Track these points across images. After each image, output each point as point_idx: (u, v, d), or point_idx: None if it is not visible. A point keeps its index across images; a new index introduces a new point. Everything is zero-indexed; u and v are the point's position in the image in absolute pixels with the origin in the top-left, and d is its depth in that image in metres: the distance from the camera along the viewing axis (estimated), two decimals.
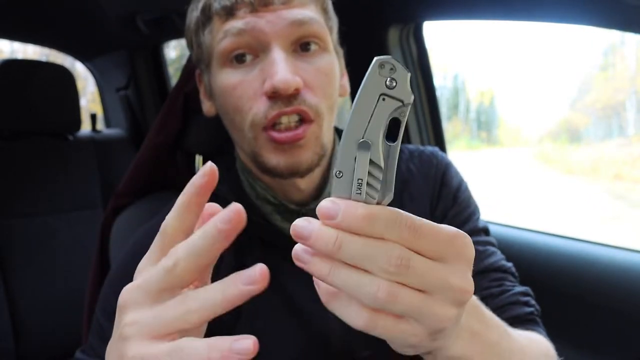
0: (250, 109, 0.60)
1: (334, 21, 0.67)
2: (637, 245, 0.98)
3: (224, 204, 0.68)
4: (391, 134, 0.32)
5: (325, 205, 0.32)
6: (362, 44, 1.28)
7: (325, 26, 0.63)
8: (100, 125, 1.88)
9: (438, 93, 1.32)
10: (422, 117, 1.30)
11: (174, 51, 2.10)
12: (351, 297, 0.33)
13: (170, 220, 0.35)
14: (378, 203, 0.32)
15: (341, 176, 0.32)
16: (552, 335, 0.66)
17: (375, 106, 0.31)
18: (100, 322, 0.63)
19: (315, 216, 0.68)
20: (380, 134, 0.32)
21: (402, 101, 0.31)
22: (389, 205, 0.33)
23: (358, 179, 0.32)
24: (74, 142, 1.59)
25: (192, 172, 0.99)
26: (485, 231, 0.72)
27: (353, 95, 0.33)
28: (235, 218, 0.31)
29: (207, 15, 0.62)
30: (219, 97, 0.64)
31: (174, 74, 1.93)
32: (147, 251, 0.66)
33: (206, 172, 0.33)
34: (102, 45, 1.82)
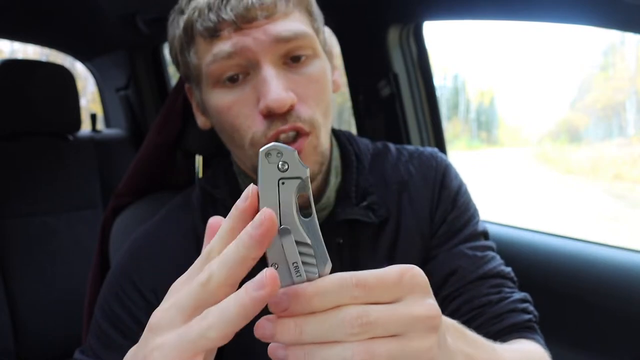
0: (248, 128, 0.60)
1: (320, 20, 0.66)
2: (637, 245, 0.98)
3: (222, 207, 0.68)
4: (304, 209, 0.33)
5: (275, 299, 0.32)
6: (362, 43, 1.28)
7: (312, 32, 0.62)
8: (100, 125, 1.88)
9: (438, 93, 1.32)
10: (422, 117, 1.30)
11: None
12: None
13: (216, 244, 0.34)
14: (319, 276, 0.33)
15: (277, 267, 0.33)
16: (551, 336, 0.66)
17: (279, 192, 0.33)
18: (99, 323, 0.63)
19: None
20: (294, 214, 0.33)
21: (299, 177, 0.33)
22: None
23: (293, 263, 0.33)
24: (74, 142, 1.59)
25: (192, 172, 1.00)
26: (485, 235, 0.71)
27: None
28: (267, 222, 0.31)
29: (189, 35, 0.61)
30: (214, 116, 0.64)
31: (174, 74, 1.93)
32: (144, 253, 0.66)
33: (248, 194, 0.33)
34: (102, 45, 1.82)
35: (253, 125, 0.59)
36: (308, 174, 0.33)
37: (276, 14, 0.58)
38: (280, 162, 0.33)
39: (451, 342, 0.38)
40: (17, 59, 1.54)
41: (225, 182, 0.70)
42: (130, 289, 0.63)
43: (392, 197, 0.70)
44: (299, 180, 0.33)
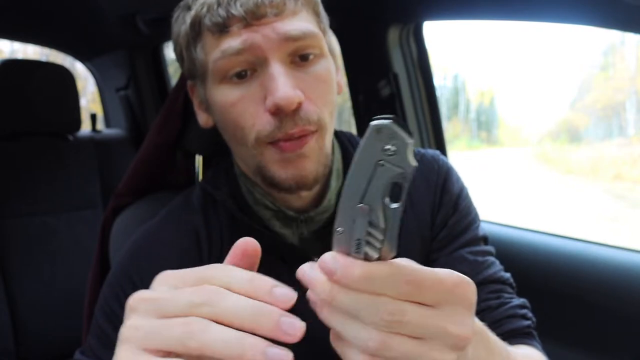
0: (253, 125, 0.59)
1: (326, 20, 0.66)
2: (637, 245, 0.98)
3: (223, 209, 0.68)
4: (395, 194, 0.31)
5: (326, 260, 0.33)
6: (362, 43, 1.28)
7: (319, 32, 0.62)
8: (100, 125, 1.88)
9: (438, 93, 1.32)
10: (422, 117, 1.30)
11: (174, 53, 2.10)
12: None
13: (222, 277, 0.34)
14: (379, 259, 0.32)
15: (341, 233, 0.33)
16: (551, 336, 0.66)
17: (373, 172, 0.31)
18: (99, 323, 0.63)
19: (313, 222, 0.68)
20: (380, 197, 0.31)
21: (402, 168, 0.30)
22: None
23: (357, 239, 0.32)
24: (74, 142, 1.59)
25: (192, 172, 1.00)
26: (485, 240, 0.71)
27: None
28: (293, 332, 0.32)
29: (197, 31, 0.60)
30: (217, 113, 0.63)
31: (174, 74, 1.93)
32: (145, 253, 0.66)
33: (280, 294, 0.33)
34: (102, 45, 1.82)
35: (258, 124, 0.59)
36: (413, 170, 0.30)
37: (285, 11, 0.58)
38: (390, 145, 0.30)
39: (471, 352, 0.38)
40: (17, 59, 1.54)
41: (225, 183, 0.70)
42: (130, 290, 0.62)
43: None
44: (399, 170, 0.30)
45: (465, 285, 0.34)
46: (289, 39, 0.58)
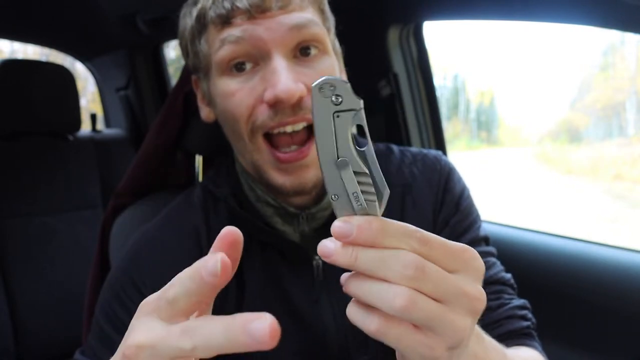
0: (249, 117, 0.59)
1: (331, 21, 0.67)
2: (637, 245, 0.98)
3: (225, 207, 0.68)
4: (360, 138, 0.34)
5: (338, 225, 0.34)
6: (362, 44, 1.28)
7: (323, 28, 0.62)
8: (100, 125, 1.88)
9: (438, 93, 1.32)
10: (422, 117, 1.30)
11: (174, 51, 2.10)
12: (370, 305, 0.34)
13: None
14: (380, 203, 0.34)
15: (337, 198, 0.34)
16: (551, 336, 0.66)
17: (334, 125, 0.33)
18: (99, 323, 0.63)
19: (314, 219, 0.68)
20: (351, 146, 0.34)
21: (354, 109, 0.33)
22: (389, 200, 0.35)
23: (353, 193, 0.34)
24: (74, 142, 1.59)
25: (193, 171, 1.00)
26: (486, 240, 0.71)
27: None
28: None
29: (202, 24, 0.61)
30: (218, 105, 0.63)
31: (174, 74, 1.93)
32: (145, 253, 0.66)
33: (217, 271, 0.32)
34: (102, 45, 1.82)
35: (254, 114, 0.59)
36: (362, 105, 0.33)
37: (291, 5, 0.58)
38: (334, 96, 0.33)
39: (470, 347, 0.38)
40: (17, 59, 1.54)
41: (227, 181, 0.70)
42: (131, 290, 0.63)
43: (394, 199, 0.69)
44: (353, 112, 0.33)
45: (473, 253, 0.35)
46: (293, 28, 0.58)
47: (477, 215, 0.73)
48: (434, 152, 0.76)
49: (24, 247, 1.44)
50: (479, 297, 0.35)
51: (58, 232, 1.50)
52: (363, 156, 0.34)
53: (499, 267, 0.69)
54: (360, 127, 0.34)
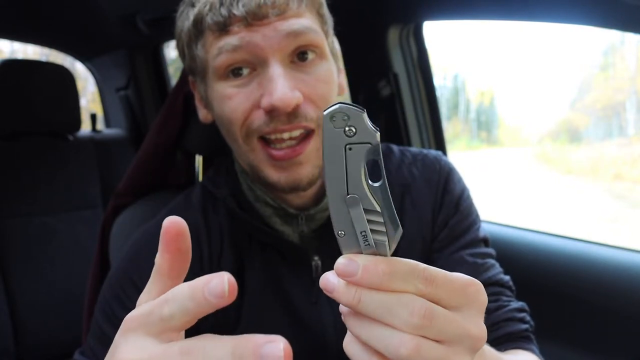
0: (244, 121, 0.60)
1: (330, 23, 0.66)
2: (637, 245, 0.98)
3: (223, 207, 0.68)
4: (374, 172, 0.31)
5: (342, 263, 0.32)
6: (362, 44, 1.28)
7: (321, 32, 0.62)
8: (100, 125, 1.88)
9: (438, 93, 1.32)
10: (422, 117, 1.30)
11: (174, 51, 2.10)
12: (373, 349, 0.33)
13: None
14: (389, 243, 0.32)
15: (344, 235, 0.32)
16: (551, 336, 0.66)
17: (345, 159, 0.30)
18: (99, 323, 0.63)
19: (313, 220, 0.68)
20: (363, 182, 0.31)
21: (369, 143, 0.30)
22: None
23: (361, 232, 0.32)
24: (74, 142, 1.59)
25: (193, 171, 1.00)
26: (485, 241, 0.71)
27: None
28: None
29: (199, 29, 0.61)
30: (215, 109, 0.64)
31: (174, 74, 1.93)
32: (145, 253, 0.66)
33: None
34: (102, 45, 1.82)
35: (249, 118, 0.59)
36: (378, 139, 0.30)
37: (287, 12, 0.58)
38: (347, 127, 0.29)
39: None
40: (17, 59, 1.54)
41: (226, 182, 0.70)
42: (131, 290, 0.63)
43: (393, 199, 0.69)
44: (368, 146, 0.30)
45: (476, 285, 0.34)
46: (289, 34, 0.58)
47: (477, 216, 0.72)
48: (434, 152, 0.76)
49: (24, 247, 1.44)
50: (482, 336, 0.34)
51: (58, 232, 1.50)
52: (376, 192, 0.31)
53: (497, 268, 0.69)
54: (375, 164, 0.31)
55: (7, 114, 1.46)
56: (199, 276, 0.30)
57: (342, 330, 0.35)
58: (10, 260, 1.42)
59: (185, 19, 0.64)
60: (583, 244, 1.05)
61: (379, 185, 0.31)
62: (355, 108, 0.29)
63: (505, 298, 0.66)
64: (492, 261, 0.69)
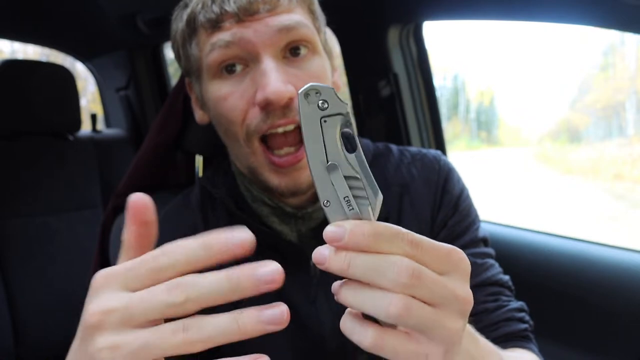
0: (243, 120, 0.60)
1: (322, 20, 0.67)
2: (637, 245, 0.98)
3: (221, 207, 0.68)
4: (349, 143, 0.34)
5: (330, 230, 0.33)
6: (362, 44, 1.28)
7: (313, 28, 0.62)
8: (100, 125, 1.88)
9: (438, 93, 1.32)
10: (422, 117, 1.30)
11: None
12: (362, 313, 0.34)
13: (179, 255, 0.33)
14: (372, 207, 0.34)
15: (329, 204, 0.34)
16: (551, 336, 0.66)
17: (322, 131, 0.34)
18: None
19: (311, 219, 0.68)
20: (340, 150, 0.34)
21: (340, 114, 0.34)
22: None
23: (344, 197, 0.34)
24: (74, 142, 1.59)
25: (193, 172, 0.99)
26: (485, 241, 0.71)
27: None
28: (273, 280, 0.32)
29: (192, 28, 0.62)
30: (211, 108, 0.64)
31: (174, 74, 1.93)
32: None
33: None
34: (102, 45, 1.82)
35: (247, 118, 0.59)
36: (349, 109, 0.34)
37: (278, 8, 0.58)
38: (320, 101, 0.33)
39: (463, 346, 0.39)
40: (17, 59, 1.54)
41: (224, 181, 0.70)
42: None
43: (392, 199, 0.69)
44: (340, 116, 0.34)
45: (458, 253, 0.35)
46: (281, 29, 0.58)
47: (476, 216, 0.72)
48: (433, 152, 0.76)
49: (24, 247, 1.44)
50: (469, 299, 0.35)
51: (58, 232, 1.49)
52: (354, 160, 0.34)
53: (497, 268, 0.69)
54: (349, 136, 0.34)
55: (7, 114, 1.46)
56: None
57: (339, 329, 0.35)
58: (10, 260, 1.42)
59: (179, 20, 0.64)
60: (583, 244, 1.05)
61: (355, 154, 0.34)
62: (324, 85, 0.34)
63: (504, 298, 0.66)
64: (492, 261, 0.69)
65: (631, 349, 0.92)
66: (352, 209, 0.34)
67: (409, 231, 0.34)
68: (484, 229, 0.72)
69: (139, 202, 0.34)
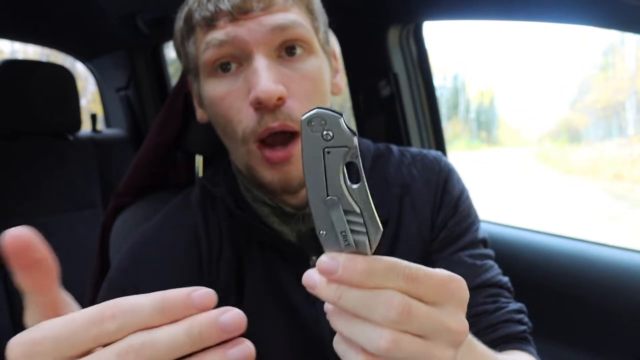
0: (240, 121, 0.59)
1: (322, 20, 0.66)
2: (637, 245, 0.98)
3: (222, 207, 0.68)
4: (353, 174, 0.32)
5: (323, 261, 0.33)
6: (362, 44, 1.28)
7: (310, 28, 0.62)
8: (100, 125, 1.88)
9: (438, 93, 1.32)
10: (422, 117, 1.30)
11: (174, 51, 2.10)
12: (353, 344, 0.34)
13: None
14: (369, 243, 0.33)
15: (325, 235, 0.33)
16: (551, 336, 0.66)
17: (324, 162, 0.31)
18: None
19: (311, 219, 0.68)
20: (342, 184, 0.32)
21: (346, 147, 0.31)
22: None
23: (341, 232, 0.33)
24: (74, 142, 1.59)
25: (193, 171, 0.99)
26: (484, 242, 0.71)
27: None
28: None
29: (189, 26, 0.62)
30: (208, 108, 0.64)
31: (174, 74, 1.93)
32: (145, 253, 0.66)
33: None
34: (102, 45, 1.82)
35: (244, 119, 0.59)
36: (356, 143, 0.31)
37: (273, 6, 0.58)
38: (325, 131, 0.31)
39: (460, 357, 0.38)
40: (17, 59, 1.54)
41: (224, 181, 0.70)
42: (130, 291, 0.63)
43: (392, 200, 0.69)
44: (345, 149, 0.31)
45: (457, 282, 0.35)
46: (275, 28, 0.58)
47: (476, 217, 0.72)
48: (433, 152, 0.76)
49: None
50: (463, 330, 0.35)
51: (58, 232, 1.50)
52: (356, 193, 0.32)
53: (496, 270, 0.69)
54: (354, 166, 0.31)
55: (7, 114, 1.46)
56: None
57: None
58: None
59: (179, 19, 0.65)
60: (583, 244, 1.05)
61: (358, 187, 0.32)
62: (332, 112, 0.30)
63: (503, 299, 0.66)
64: (491, 262, 0.69)
65: (631, 349, 0.92)
66: (348, 243, 0.33)
67: (404, 263, 0.33)
68: (484, 230, 0.72)
69: (16, 241, 0.29)
